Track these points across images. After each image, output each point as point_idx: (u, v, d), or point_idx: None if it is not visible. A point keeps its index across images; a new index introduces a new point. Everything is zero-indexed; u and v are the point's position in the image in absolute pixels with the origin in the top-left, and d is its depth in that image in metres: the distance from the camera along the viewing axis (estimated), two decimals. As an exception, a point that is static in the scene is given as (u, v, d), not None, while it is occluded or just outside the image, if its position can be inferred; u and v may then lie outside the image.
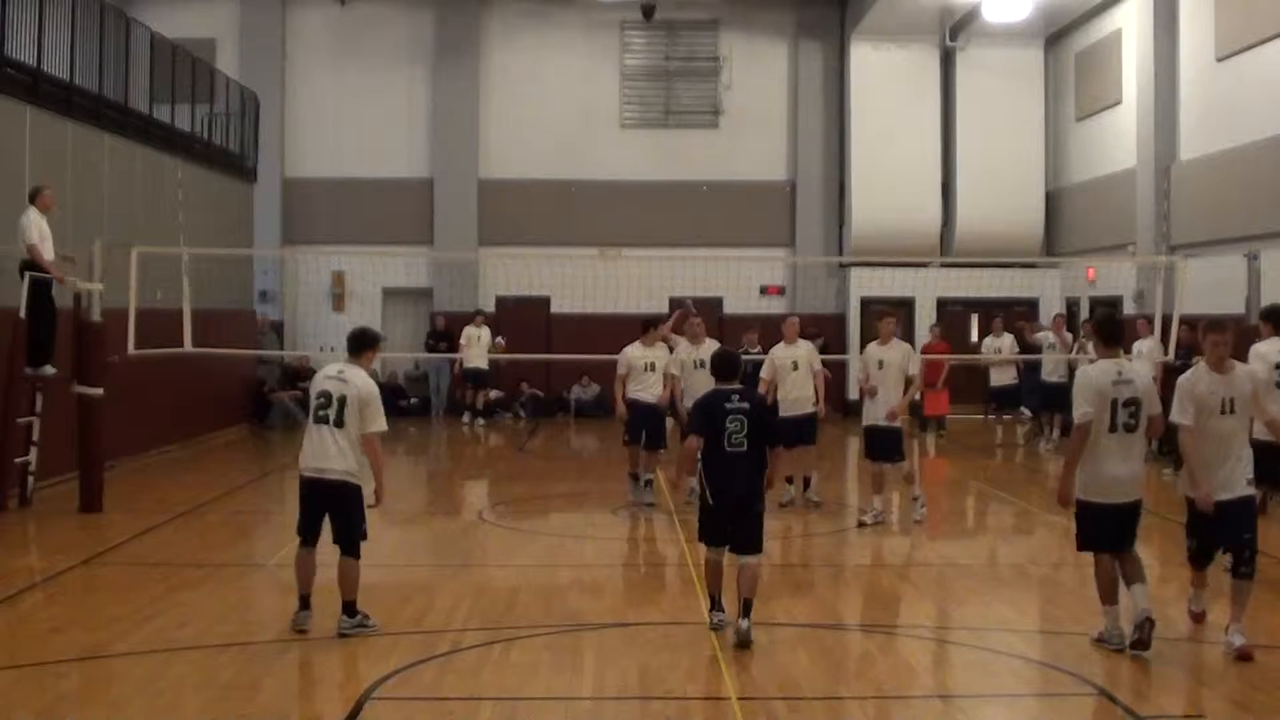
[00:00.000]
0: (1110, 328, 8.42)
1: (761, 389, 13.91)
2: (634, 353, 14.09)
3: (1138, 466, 8.13)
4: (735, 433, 8.22)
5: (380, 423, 8.54)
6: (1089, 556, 8.39)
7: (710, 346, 13.97)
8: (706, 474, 8.33)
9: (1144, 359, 18.00)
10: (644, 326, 14.38)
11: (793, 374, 13.88)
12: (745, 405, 8.35)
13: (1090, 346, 19.19)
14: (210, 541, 12.18)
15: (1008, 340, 21.28)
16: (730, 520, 8.34)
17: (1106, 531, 8.13)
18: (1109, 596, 8.14)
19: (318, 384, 8.65)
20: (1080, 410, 8.00)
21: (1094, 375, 8.09)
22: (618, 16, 26.80)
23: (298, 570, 8.57)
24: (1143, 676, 7.66)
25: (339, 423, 8.42)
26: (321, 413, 8.46)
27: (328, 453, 8.42)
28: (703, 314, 15.90)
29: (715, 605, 8.50)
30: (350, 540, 8.53)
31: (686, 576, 10.05)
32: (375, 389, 8.67)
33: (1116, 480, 8.01)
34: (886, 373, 12.96)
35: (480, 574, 11.19)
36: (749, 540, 8.30)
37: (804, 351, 14.10)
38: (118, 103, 17.81)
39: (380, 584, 10.56)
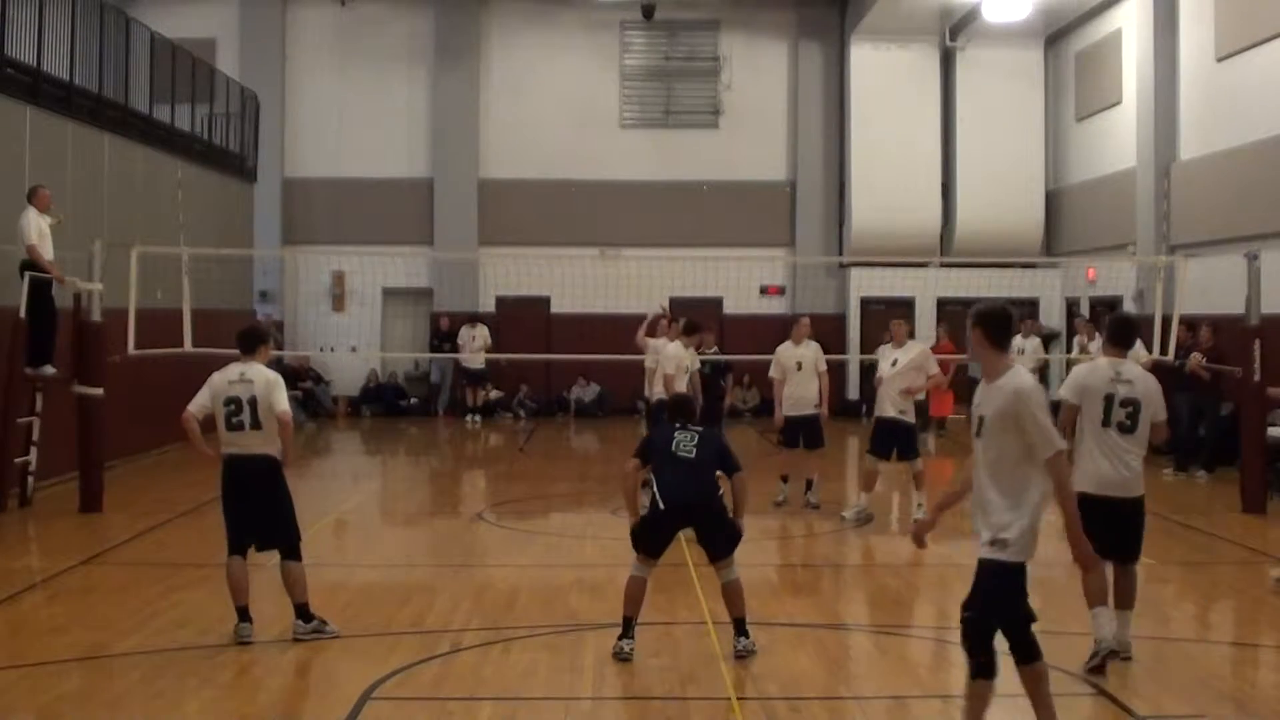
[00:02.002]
0: (1121, 329, 8.22)
1: (778, 392, 13.99)
2: (677, 351, 13.80)
3: (1134, 466, 7.84)
4: (684, 443, 8.04)
5: (284, 404, 8.42)
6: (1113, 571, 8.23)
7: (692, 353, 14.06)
8: (656, 482, 8.00)
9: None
10: (688, 329, 13.98)
11: (797, 374, 13.90)
12: (699, 429, 8.24)
13: (1092, 346, 19.31)
14: (210, 541, 12.09)
15: (1033, 342, 21.32)
16: (692, 526, 8.07)
17: (1096, 531, 7.45)
18: (1097, 597, 7.78)
19: (222, 389, 8.41)
20: (1060, 395, 7.95)
21: (1084, 372, 8.00)
22: (618, 16, 26.80)
23: (230, 580, 8.36)
24: (1143, 676, 7.66)
25: (256, 425, 8.33)
26: (236, 419, 8.32)
27: (250, 447, 8.34)
28: (703, 314, 15.91)
29: (628, 632, 7.89)
30: (287, 542, 8.43)
31: (686, 577, 10.05)
32: (277, 376, 8.58)
33: (1108, 476, 7.78)
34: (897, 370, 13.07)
35: (480, 574, 11.19)
36: (720, 541, 7.96)
37: (810, 352, 14.11)
38: (118, 103, 17.81)
39: (380, 584, 10.59)
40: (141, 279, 15.01)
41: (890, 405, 12.99)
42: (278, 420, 8.36)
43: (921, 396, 15.46)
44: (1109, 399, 7.80)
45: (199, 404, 8.52)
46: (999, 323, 6.03)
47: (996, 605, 5.94)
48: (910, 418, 13.12)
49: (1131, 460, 7.85)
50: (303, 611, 8.39)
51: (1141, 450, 7.92)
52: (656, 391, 13.61)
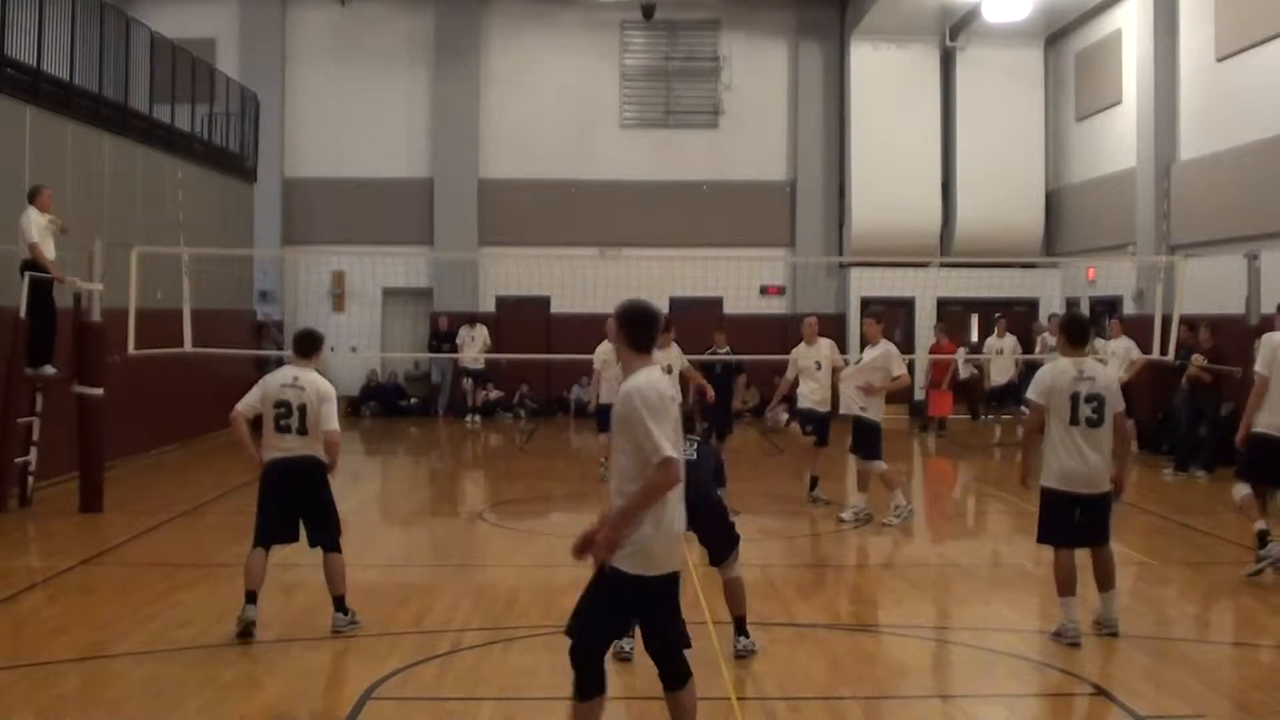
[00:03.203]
0: (1076, 328, 8.63)
1: (782, 389, 14.30)
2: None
3: (1100, 460, 8.24)
4: (685, 448, 8.12)
5: (333, 423, 8.49)
6: (1089, 555, 8.48)
7: (675, 351, 14.19)
8: None
9: (1117, 359, 18.21)
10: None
11: (817, 373, 14.01)
12: (698, 438, 8.26)
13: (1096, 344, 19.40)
14: (210, 541, 12.17)
15: (1010, 341, 21.39)
16: (693, 527, 7.82)
17: (1065, 523, 8.34)
18: (1066, 588, 8.32)
19: (274, 391, 8.47)
20: (1029, 395, 8.44)
21: (1047, 372, 8.38)
22: (618, 16, 26.80)
23: (250, 567, 8.40)
24: (1143, 676, 7.67)
25: (303, 430, 8.43)
26: (284, 422, 8.43)
27: (294, 450, 8.44)
28: (703, 314, 16.01)
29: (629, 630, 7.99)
30: (329, 535, 8.55)
31: (686, 577, 10.03)
32: (330, 389, 8.67)
33: (1076, 471, 8.21)
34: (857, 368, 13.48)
35: (480, 574, 11.18)
36: (723, 541, 7.96)
37: (826, 351, 14.23)
38: (118, 103, 17.81)
39: (380, 584, 10.57)
40: (141, 279, 15.02)
41: (850, 402, 13.03)
42: (325, 436, 8.46)
43: (922, 396, 15.50)
44: (1074, 397, 8.19)
45: (248, 404, 8.62)
46: (637, 323, 5.66)
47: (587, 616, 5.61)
48: (872, 415, 12.98)
49: (1097, 456, 8.24)
50: (340, 604, 8.53)
51: (1108, 444, 8.29)
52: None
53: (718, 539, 8.01)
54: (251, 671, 7.73)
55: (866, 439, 12.92)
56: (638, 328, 5.66)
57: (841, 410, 13.25)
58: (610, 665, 5.80)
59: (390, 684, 7.40)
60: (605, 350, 14.93)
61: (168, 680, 7.55)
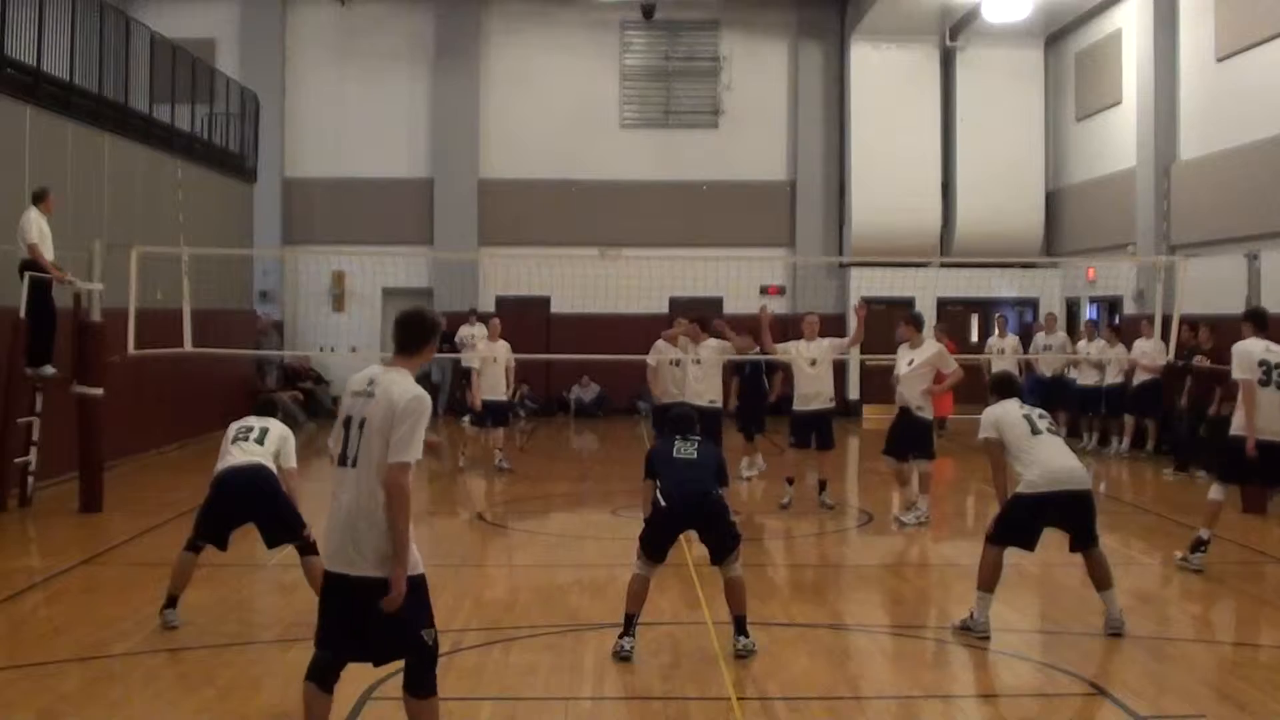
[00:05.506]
0: (1006, 385, 9.08)
1: (771, 354, 14.38)
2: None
3: (1075, 460, 8.59)
4: (685, 449, 8.21)
5: (292, 460, 8.90)
6: (1083, 559, 8.52)
7: (710, 345, 14.11)
8: (660, 485, 8.09)
9: (1148, 359, 18.13)
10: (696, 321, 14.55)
11: (810, 370, 13.79)
12: (698, 438, 8.35)
13: (1093, 347, 19.41)
14: (210, 541, 12.17)
15: (1012, 340, 21.36)
16: (693, 525, 8.15)
17: (1027, 530, 8.52)
18: (988, 585, 8.49)
19: (234, 425, 9.00)
20: (981, 436, 8.76)
21: (992, 411, 8.75)
22: (618, 16, 26.81)
23: (178, 569, 8.65)
24: (1143, 676, 7.67)
25: (260, 441, 8.79)
26: (244, 436, 8.85)
27: (250, 455, 8.69)
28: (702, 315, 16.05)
29: (629, 629, 7.91)
30: (299, 538, 8.61)
31: (686, 577, 10.05)
32: (291, 434, 9.06)
33: (1060, 469, 8.43)
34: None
35: (480, 574, 11.18)
36: (724, 540, 7.99)
37: (824, 348, 13.96)
38: (118, 103, 17.82)
39: (380, 584, 10.57)
40: (141, 279, 15.00)
41: (909, 400, 12.99)
42: (283, 469, 8.73)
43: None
44: (1027, 417, 8.62)
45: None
46: (396, 326, 5.96)
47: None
48: (927, 414, 13.04)
49: (1073, 454, 8.63)
50: None
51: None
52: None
53: (718, 538, 8.03)
54: (251, 671, 7.72)
55: (922, 438, 12.98)
56: (396, 329, 5.96)
57: (898, 403, 13.20)
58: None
59: (390, 684, 7.36)
60: (483, 348, 17.16)
61: (168, 680, 7.55)
